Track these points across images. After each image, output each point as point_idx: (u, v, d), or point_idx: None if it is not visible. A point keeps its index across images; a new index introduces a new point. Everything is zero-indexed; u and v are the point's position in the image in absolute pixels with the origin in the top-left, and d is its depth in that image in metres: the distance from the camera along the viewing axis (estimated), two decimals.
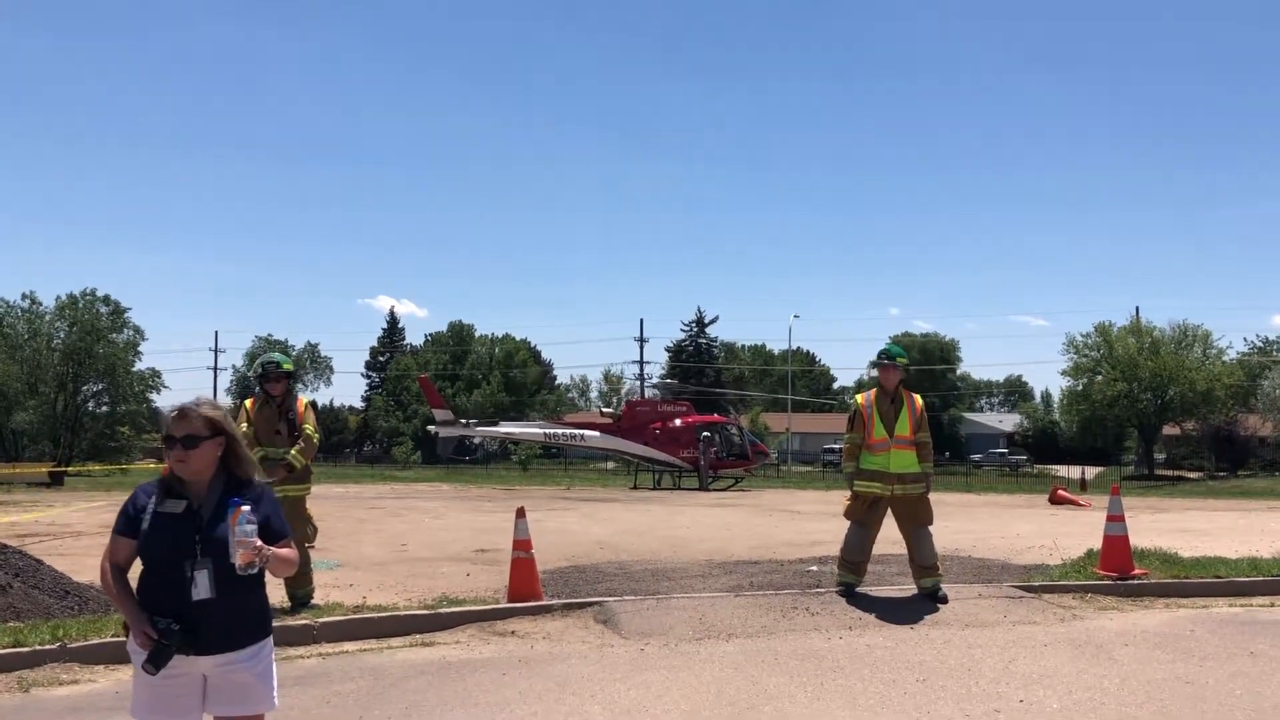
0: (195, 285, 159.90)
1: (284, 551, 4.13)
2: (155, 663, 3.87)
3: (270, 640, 4.20)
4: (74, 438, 63.49)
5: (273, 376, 10.17)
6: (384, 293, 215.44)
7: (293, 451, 10.00)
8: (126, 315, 65.61)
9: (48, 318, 64.33)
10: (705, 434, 42.38)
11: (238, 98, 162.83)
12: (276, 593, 9.90)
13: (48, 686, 7.47)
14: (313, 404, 10.65)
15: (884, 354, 10.74)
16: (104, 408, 66.70)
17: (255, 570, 3.97)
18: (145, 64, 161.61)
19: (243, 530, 3.92)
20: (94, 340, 62.91)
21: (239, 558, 3.91)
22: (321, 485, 37.30)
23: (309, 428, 10.26)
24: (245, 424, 9.82)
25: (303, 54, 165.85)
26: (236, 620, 4.04)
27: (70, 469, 49.77)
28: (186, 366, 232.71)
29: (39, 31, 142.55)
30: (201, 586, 3.95)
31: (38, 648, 7.96)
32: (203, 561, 3.97)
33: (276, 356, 10.42)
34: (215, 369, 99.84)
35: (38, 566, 10.10)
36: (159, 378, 68.97)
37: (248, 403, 10.08)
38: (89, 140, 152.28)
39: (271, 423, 10.01)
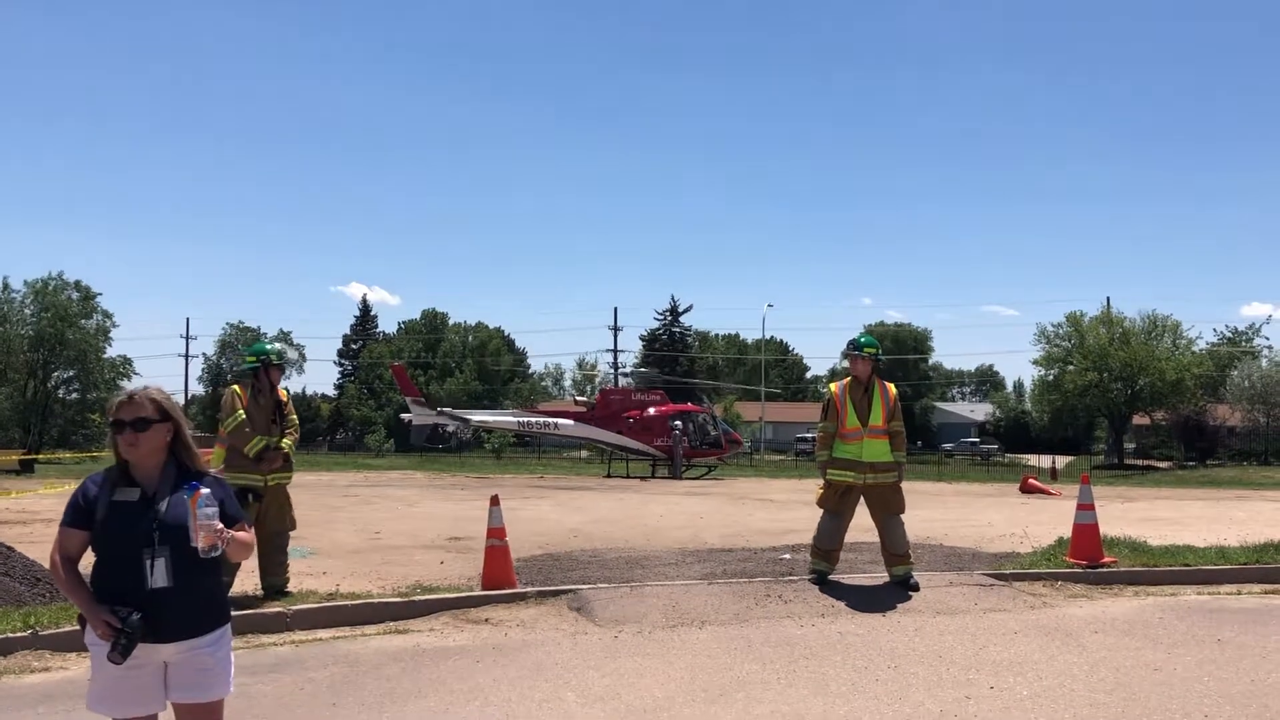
0: (166, 271, 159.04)
1: (242, 535, 4.17)
2: (122, 653, 3.85)
3: (230, 626, 4.23)
4: (44, 425, 63.13)
5: (275, 366, 10.18)
6: (356, 280, 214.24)
7: (286, 441, 10.04)
8: (96, 300, 65.21)
9: (17, 303, 63.80)
10: (679, 423, 42.41)
11: (209, 82, 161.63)
12: (249, 580, 9.90)
13: (19, 674, 7.43)
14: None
15: (854, 344, 10.78)
16: (74, 395, 66.33)
17: (216, 554, 3.99)
18: (115, 46, 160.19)
19: (204, 513, 3.93)
20: (64, 326, 62.44)
21: (201, 541, 3.92)
22: (294, 473, 37.14)
23: (294, 417, 10.34)
24: (241, 412, 9.78)
25: (274, 38, 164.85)
26: (195, 606, 4.05)
27: (40, 456, 49.38)
28: (157, 354, 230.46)
29: (6, 12, 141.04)
30: (159, 574, 3.95)
31: (9, 635, 7.92)
32: (160, 549, 3.97)
33: (277, 347, 10.45)
34: (187, 356, 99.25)
35: (8, 553, 10.03)
36: (130, 365, 68.72)
37: (239, 390, 9.99)
38: (58, 123, 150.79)
39: (267, 411, 9.97)
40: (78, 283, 64.47)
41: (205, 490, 3.98)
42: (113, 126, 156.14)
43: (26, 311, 63.58)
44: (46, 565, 10.14)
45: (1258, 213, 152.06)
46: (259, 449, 9.76)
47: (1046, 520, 17.59)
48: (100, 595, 3.95)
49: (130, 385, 4.13)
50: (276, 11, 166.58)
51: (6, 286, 63.85)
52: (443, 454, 66.11)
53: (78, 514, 4.05)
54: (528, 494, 27.24)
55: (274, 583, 9.81)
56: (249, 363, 10.18)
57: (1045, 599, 10.18)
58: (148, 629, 3.88)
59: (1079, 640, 8.38)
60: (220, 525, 3.97)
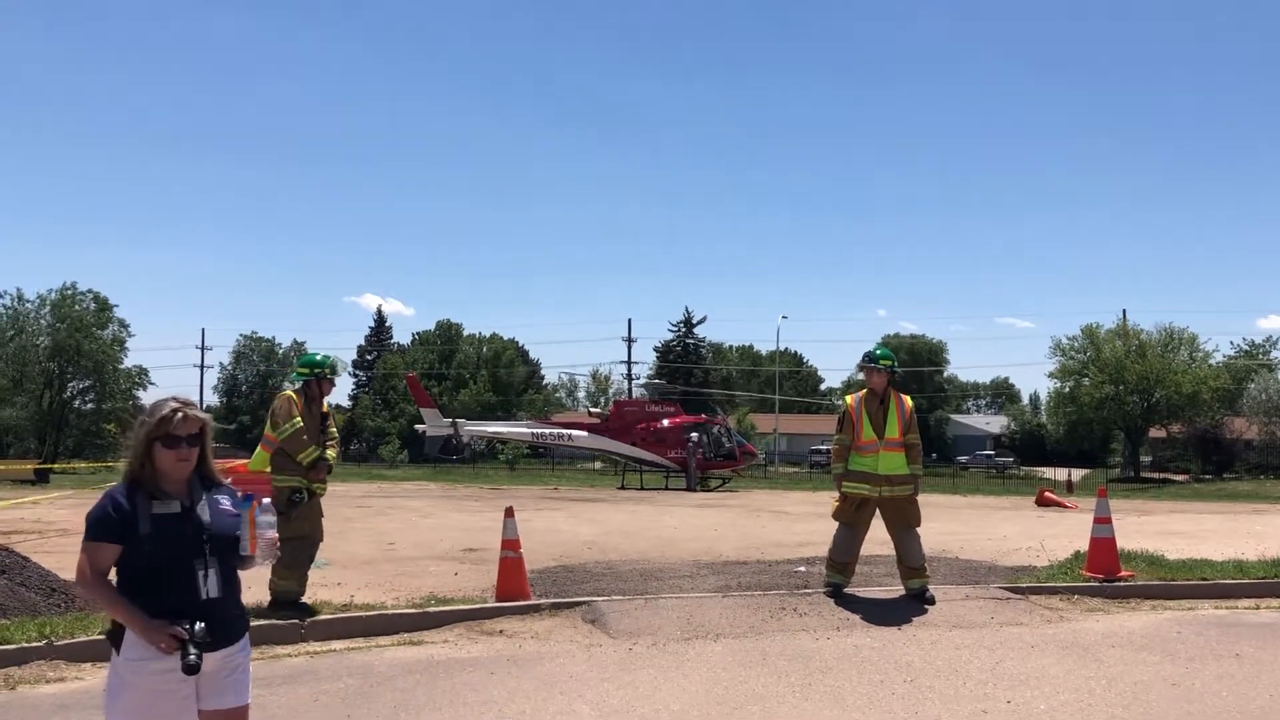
0: (181, 282, 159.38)
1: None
2: (196, 664, 3.83)
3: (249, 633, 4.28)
4: (60, 435, 63.33)
5: (327, 379, 10.19)
6: (370, 291, 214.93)
7: (330, 452, 10.06)
8: (112, 311, 65.40)
9: (33, 314, 64.05)
10: (694, 435, 42.37)
11: (225, 94, 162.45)
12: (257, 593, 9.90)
13: (34, 684, 7.45)
14: None
15: (868, 356, 10.77)
16: (90, 405, 66.51)
17: (270, 561, 4.15)
18: (132, 59, 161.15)
19: (262, 522, 4.07)
20: (81, 337, 62.66)
21: (262, 550, 4.06)
22: None
23: (335, 429, 10.36)
24: (299, 418, 9.75)
25: (290, 51, 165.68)
26: (235, 614, 4.12)
27: (56, 466, 49.55)
28: (172, 364, 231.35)
29: (25, 25, 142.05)
30: (212, 585, 3.99)
31: (24, 645, 7.94)
32: (211, 560, 4.00)
33: (331, 359, 10.44)
34: (202, 366, 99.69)
35: (24, 564, 10.07)
36: (145, 375, 68.86)
37: (295, 397, 9.90)
38: (74, 136, 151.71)
39: (316, 421, 9.97)
40: (94, 293, 64.82)
41: (265, 500, 4.11)
42: (128, 139, 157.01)
43: (43, 322, 63.86)
44: (62, 576, 10.21)
45: (1276, 225, 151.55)
46: (314, 458, 9.77)
47: (1063, 533, 17.51)
48: (150, 609, 3.88)
49: (156, 396, 4.11)
50: (293, 23, 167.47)
51: (21, 298, 64.19)
52: (457, 465, 66.06)
53: (110, 528, 3.94)
54: (542, 505, 27.23)
55: (291, 588, 9.74)
56: (300, 373, 10.13)
57: (1062, 613, 10.12)
58: (212, 638, 3.91)
59: (1096, 655, 8.33)
60: (275, 535, 4.12)
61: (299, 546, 9.55)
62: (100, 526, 3.96)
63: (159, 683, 3.88)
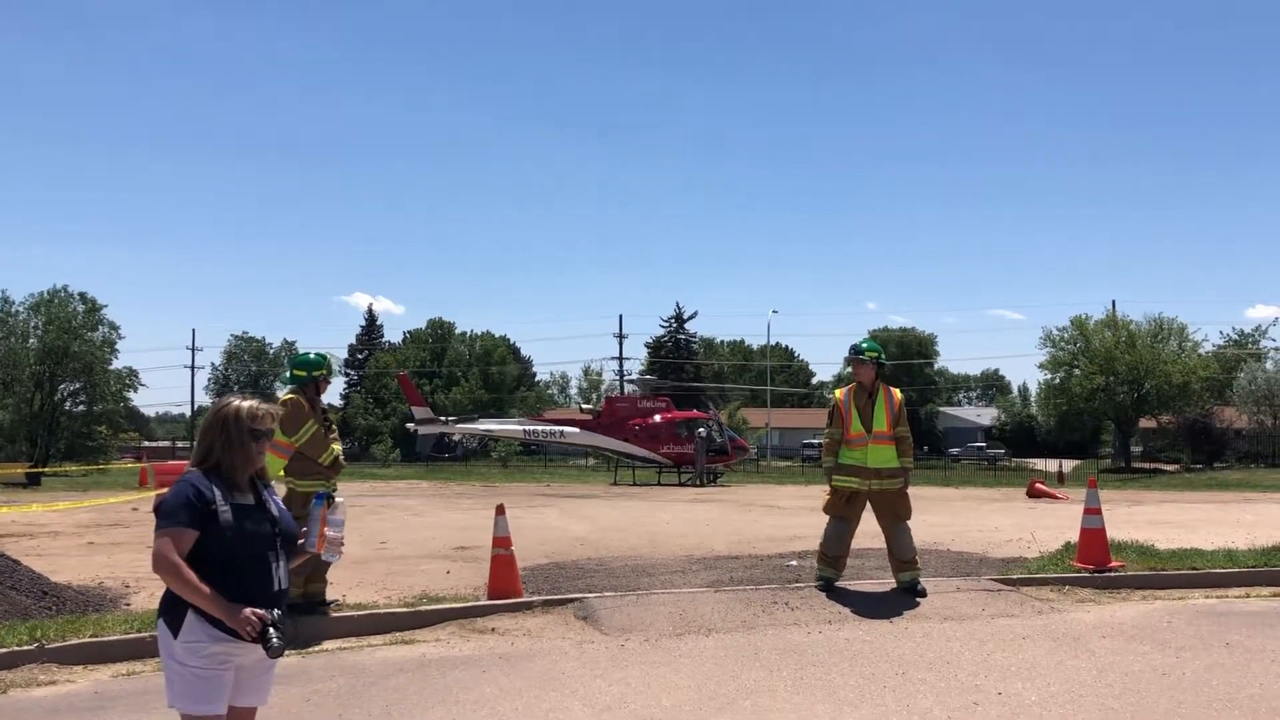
0: (170, 283, 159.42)
1: None
2: (281, 650, 3.98)
3: None
4: (51, 437, 63.07)
5: (327, 377, 10.20)
6: (359, 290, 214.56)
7: (336, 447, 10.03)
8: (102, 312, 65.15)
9: (22, 316, 63.74)
10: (700, 430, 42.32)
11: (214, 95, 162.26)
12: None
13: (25, 688, 7.43)
14: None
15: (855, 349, 10.78)
16: (80, 407, 66.25)
17: (335, 560, 4.43)
18: (120, 60, 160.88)
19: (335, 522, 4.31)
20: (70, 338, 62.38)
21: (329, 549, 4.31)
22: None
23: (334, 426, 10.34)
24: (312, 422, 9.71)
25: (280, 51, 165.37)
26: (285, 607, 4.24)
27: (47, 469, 49.39)
28: (163, 365, 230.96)
29: (13, 27, 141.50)
30: (282, 576, 4.16)
31: (15, 649, 7.92)
32: (281, 553, 4.18)
33: (327, 358, 10.33)
34: (193, 367, 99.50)
35: (14, 567, 10.05)
36: (136, 376, 68.61)
37: (301, 400, 9.80)
38: (62, 137, 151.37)
39: (319, 420, 9.92)
40: (82, 294, 64.51)
41: (341, 499, 4.37)
42: (115, 139, 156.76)
43: (32, 325, 63.52)
44: (54, 579, 10.19)
45: (1264, 215, 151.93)
46: (334, 457, 9.78)
47: (1054, 525, 17.55)
48: (232, 598, 3.96)
49: (147, 397, 4.16)
50: (284, 25, 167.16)
51: (7, 300, 63.74)
52: (449, 463, 66.01)
53: (194, 515, 3.99)
54: (534, 502, 27.23)
55: (319, 589, 9.71)
56: (297, 375, 10.01)
57: (1053, 604, 10.15)
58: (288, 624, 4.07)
59: (1087, 645, 8.36)
60: (343, 536, 4.37)
61: None
62: (183, 512, 4.00)
63: (211, 664, 3.97)
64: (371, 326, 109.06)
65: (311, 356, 10.21)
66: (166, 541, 3.96)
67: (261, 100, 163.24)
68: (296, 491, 9.54)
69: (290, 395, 9.86)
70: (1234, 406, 68.48)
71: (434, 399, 79.23)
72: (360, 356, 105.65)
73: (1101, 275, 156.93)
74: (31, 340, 63.25)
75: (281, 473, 9.62)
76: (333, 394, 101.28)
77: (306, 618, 9.05)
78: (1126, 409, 66.13)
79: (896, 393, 10.75)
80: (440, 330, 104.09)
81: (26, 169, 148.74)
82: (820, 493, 11.53)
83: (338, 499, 4.42)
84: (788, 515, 22.27)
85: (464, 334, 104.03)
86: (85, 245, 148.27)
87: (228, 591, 3.95)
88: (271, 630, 3.91)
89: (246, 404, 4.23)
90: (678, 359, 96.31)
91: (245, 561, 4.03)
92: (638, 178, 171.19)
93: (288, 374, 10.33)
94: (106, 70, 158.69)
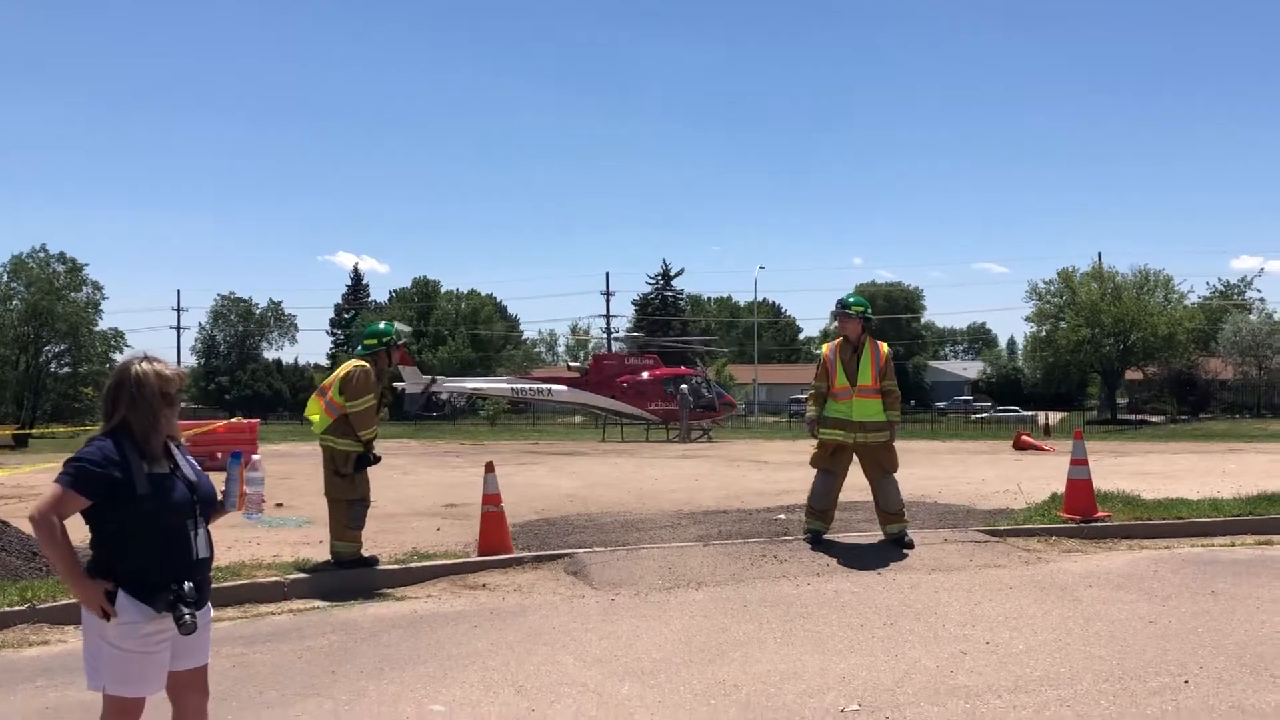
0: (155, 243, 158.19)
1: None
2: (194, 626, 3.89)
3: None
4: (37, 399, 62.84)
5: (400, 345, 10.30)
6: (343, 249, 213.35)
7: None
8: (84, 272, 64.75)
9: (4, 278, 63.29)
10: (684, 386, 42.37)
11: (196, 52, 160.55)
12: (258, 549, 9.87)
13: (17, 648, 7.44)
14: None
15: (841, 303, 10.79)
16: (66, 368, 65.97)
17: (257, 516, 4.37)
18: (101, 18, 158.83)
19: (254, 478, 4.26)
20: (54, 300, 62.01)
21: (249, 505, 4.28)
22: (289, 443, 37.17)
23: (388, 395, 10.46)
24: (373, 395, 9.70)
25: (261, 7, 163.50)
26: (210, 574, 4.17)
27: (34, 431, 49.25)
28: (148, 326, 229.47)
29: None
30: (201, 544, 4.03)
31: (6, 609, 7.92)
32: (200, 520, 4.04)
33: (401, 327, 10.36)
34: (179, 328, 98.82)
35: (4, 528, 10.01)
36: (121, 338, 68.21)
37: (369, 368, 9.77)
38: (43, 95, 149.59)
39: (381, 390, 9.98)
40: (62, 255, 63.98)
41: (255, 457, 4.29)
42: (97, 99, 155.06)
43: (14, 286, 63.02)
44: None
45: (1247, 166, 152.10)
46: (373, 437, 9.76)
47: (1040, 476, 17.63)
48: (148, 573, 3.85)
49: (133, 356, 4.06)
50: None
51: None
52: (437, 422, 65.99)
53: (93, 483, 3.83)
54: (523, 460, 27.27)
55: (346, 549, 9.68)
56: (368, 345, 10.00)
57: (1040, 554, 10.23)
58: (198, 597, 3.94)
59: (1074, 595, 8.42)
60: (263, 491, 4.32)
61: (361, 507, 9.67)
62: (84, 478, 3.84)
63: (149, 645, 3.88)
64: (357, 286, 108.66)
65: (381, 325, 10.27)
66: (60, 498, 3.82)
67: (243, 59, 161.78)
68: (336, 450, 9.60)
69: (361, 363, 9.81)
70: (1219, 358, 68.70)
71: (421, 358, 79.03)
72: (347, 316, 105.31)
73: (1087, 227, 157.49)
74: (15, 302, 62.82)
75: (322, 430, 9.66)
76: (319, 354, 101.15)
77: (263, 578, 9.08)
78: (1112, 361, 66.32)
79: (884, 347, 10.76)
80: (426, 289, 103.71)
81: (5, 128, 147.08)
82: (807, 447, 11.55)
83: (254, 456, 4.32)
84: (775, 470, 22.36)
85: (450, 293, 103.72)
86: (67, 204, 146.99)
87: (148, 565, 3.85)
88: (182, 606, 3.82)
89: (156, 366, 4.01)
90: (665, 316, 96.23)
91: (164, 533, 3.90)
92: (624, 135, 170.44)
93: (359, 346, 10.29)
94: (86, 26, 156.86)
